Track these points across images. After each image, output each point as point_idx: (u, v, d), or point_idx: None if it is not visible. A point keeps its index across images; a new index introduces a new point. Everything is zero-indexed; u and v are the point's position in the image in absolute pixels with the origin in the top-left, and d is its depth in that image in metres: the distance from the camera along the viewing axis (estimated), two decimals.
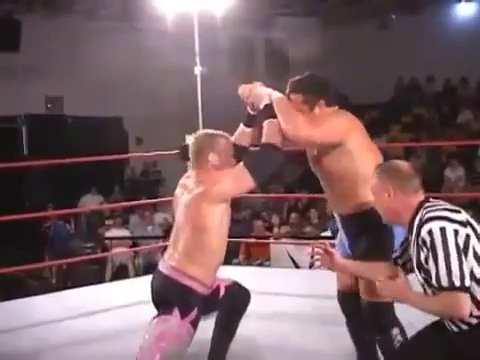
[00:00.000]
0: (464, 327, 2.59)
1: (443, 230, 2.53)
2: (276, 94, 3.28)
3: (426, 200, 2.71)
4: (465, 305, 2.50)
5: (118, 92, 13.41)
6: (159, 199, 9.46)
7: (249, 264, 9.17)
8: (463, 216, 2.61)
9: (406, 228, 2.73)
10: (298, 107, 3.27)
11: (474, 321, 2.57)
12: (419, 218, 2.63)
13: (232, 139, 3.40)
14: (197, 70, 7.28)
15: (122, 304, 5.47)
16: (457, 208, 2.65)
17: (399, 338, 3.28)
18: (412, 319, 3.19)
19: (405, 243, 2.84)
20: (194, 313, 3.13)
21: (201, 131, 3.33)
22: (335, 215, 3.49)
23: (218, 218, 3.08)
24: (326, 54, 14.01)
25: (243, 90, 3.43)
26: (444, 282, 2.50)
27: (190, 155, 3.27)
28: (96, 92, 13.12)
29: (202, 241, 3.08)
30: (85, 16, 13.26)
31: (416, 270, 2.69)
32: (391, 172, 2.76)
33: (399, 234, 3.20)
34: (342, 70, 14.74)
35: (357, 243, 3.30)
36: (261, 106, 3.26)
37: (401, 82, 15.72)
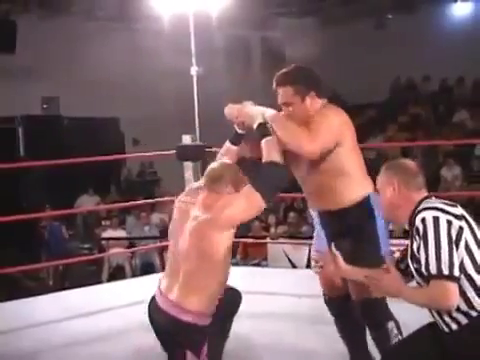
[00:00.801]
0: (454, 326, 2.59)
1: (436, 219, 2.55)
2: (270, 112, 3.21)
3: (428, 197, 2.74)
4: (452, 296, 2.50)
5: (114, 93, 13.41)
6: (156, 199, 9.44)
7: (246, 264, 9.20)
8: (459, 210, 2.63)
9: (407, 224, 2.75)
10: (289, 99, 3.24)
11: (464, 320, 2.57)
12: (417, 211, 2.66)
13: (217, 156, 3.34)
14: (193, 70, 7.28)
15: (119, 304, 5.47)
16: (454, 203, 2.67)
17: (395, 331, 3.27)
18: (406, 318, 3.20)
19: (406, 247, 2.85)
20: (205, 347, 3.02)
21: (226, 161, 3.20)
22: (313, 213, 3.46)
23: (226, 246, 2.95)
24: (323, 53, 14.00)
25: (230, 110, 3.32)
26: (433, 270, 2.51)
27: (208, 177, 3.08)
28: (92, 93, 13.12)
29: (208, 271, 2.93)
30: (81, 17, 13.25)
31: (409, 261, 2.70)
32: (397, 168, 2.82)
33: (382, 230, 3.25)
34: (339, 70, 14.75)
35: (341, 240, 3.25)
36: (254, 125, 3.16)
37: (397, 82, 15.74)
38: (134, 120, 13.66)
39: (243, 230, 10.03)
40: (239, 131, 3.33)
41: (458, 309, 2.56)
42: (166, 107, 13.44)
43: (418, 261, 2.60)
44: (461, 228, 2.57)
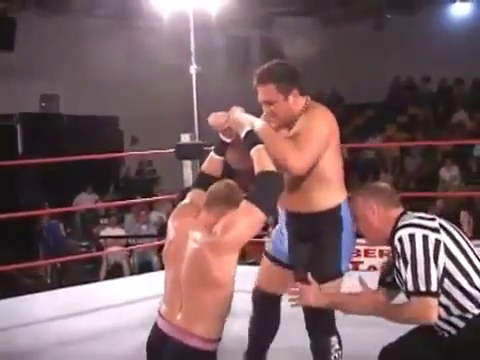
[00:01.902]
0: (453, 332, 2.60)
1: (412, 236, 2.56)
2: (258, 122, 3.06)
3: (404, 212, 2.76)
4: (431, 311, 2.51)
5: (113, 91, 13.40)
6: (154, 198, 9.44)
7: (244, 263, 9.19)
8: (436, 223, 2.63)
9: (389, 244, 2.75)
10: (272, 98, 3.11)
11: (461, 324, 2.57)
12: (396, 229, 2.67)
13: (202, 168, 3.15)
14: (193, 69, 7.29)
15: (117, 303, 5.47)
16: (431, 216, 2.69)
17: (337, 347, 3.20)
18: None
19: (389, 260, 2.85)
20: None
21: (229, 181, 2.93)
22: (281, 211, 3.33)
23: (233, 269, 2.76)
24: (322, 53, 14.02)
25: (216, 118, 3.11)
26: (409, 286, 2.52)
27: (211, 198, 2.85)
28: (91, 91, 13.11)
29: (214, 296, 2.72)
30: (80, 14, 13.24)
31: (396, 279, 2.71)
32: (373, 190, 2.85)
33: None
34: (338, 70, 14.77)
35: (302, 245, 3.20)
36: (243, 133, 2.98)
37: (397, 82, 15.74)
38: (133, 118, 13.65)
39: None
40: (225, 140, 3.11)
41: (453, 315, 2.57)
42: (165, 105, 13.44)
43: (401, 279, 2.62)
44: (438, 240, 2.56)
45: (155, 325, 2.80)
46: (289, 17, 15.06)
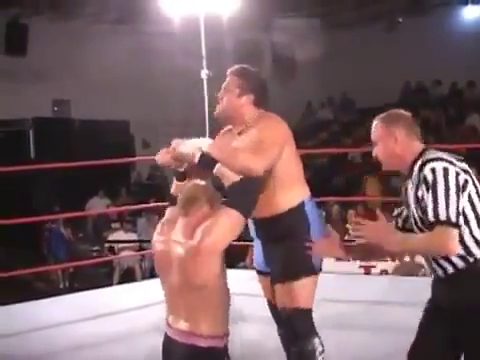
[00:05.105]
0: (451, 270, 2.65)
1: (446, 170, 2.62)
2: (204, 142, 3.13)
3: (428, 148, 2.78)
4: (455, 242, 2.57)
5: (125, 95, 13.44)
6: (165, 203, 9.42)
7: (255, 267, 9.18)
8: (465, 165, 2.69)
9: (406, 172, 2.78)
10: (230, 86, 3.32)
11: (460, 263, 2.62)
12: (421, 160, 2.70)
13: (171, 191, 3.27)
14: (204, 73, 7.29)
15: (129, 307, 5.48)
16: (461, 157, 2.73)
17: (320, 349, 3.24)
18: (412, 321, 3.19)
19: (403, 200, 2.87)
20: None
21: (200, 181, 3.01)
22: (251, 224, 3.39)
23: (218, 270, 2.83)
24: (333, 57, 14.02)
25: (163, 156, 3.26)
26: (442, 216, 2.57)
27: (183, 199, 2.97)
28: (103, 95, 13.16)
29: (207, 298, 2.81)
30: (92, 19, 13.29)
31: (412, 207, 2.74)
32: (396, 117, 2.84)
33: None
34: (349, 73, 14.76)
35: (274, 246, 3.29)
36: (196, 160, 3.07)
37: (408, 85, 15.72)
38: (144, 123, 13.69)
39: None
40: (180, 170, 3.20)
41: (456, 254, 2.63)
42: (176, 110, 13.46)
43: (423, 209, 2.65)
44: (466, 181, 2.64)
45: (165, 335, 2.90)
46: (300, 20, 15.05)
